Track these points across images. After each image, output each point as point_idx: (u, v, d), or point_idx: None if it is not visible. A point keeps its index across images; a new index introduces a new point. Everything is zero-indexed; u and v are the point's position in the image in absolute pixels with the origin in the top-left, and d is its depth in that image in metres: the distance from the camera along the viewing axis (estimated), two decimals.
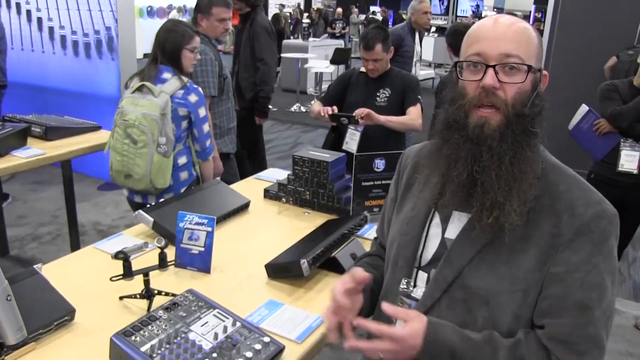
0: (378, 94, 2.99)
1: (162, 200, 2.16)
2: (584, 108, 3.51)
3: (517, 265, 1.05)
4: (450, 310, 1.09)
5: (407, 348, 1.04)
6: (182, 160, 2.56)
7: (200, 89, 2.59)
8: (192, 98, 2.50)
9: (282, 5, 16.78)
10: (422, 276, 1.16)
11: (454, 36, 3.13)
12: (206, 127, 2.60)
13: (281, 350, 1.35)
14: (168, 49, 2.50)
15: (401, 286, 1.19)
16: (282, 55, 10.07)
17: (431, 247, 1.16)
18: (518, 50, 1.05)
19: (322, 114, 2.86)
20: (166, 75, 2.50)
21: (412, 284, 1.18)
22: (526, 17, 21.14)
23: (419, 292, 1.16)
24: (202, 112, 2.56)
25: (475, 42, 1.09)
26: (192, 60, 2.58)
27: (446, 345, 1.04)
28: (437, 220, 1.17)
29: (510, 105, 1.04)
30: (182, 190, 2.57)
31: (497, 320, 1.06)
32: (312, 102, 3.35)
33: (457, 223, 1.13)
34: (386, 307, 1.07)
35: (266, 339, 1.35)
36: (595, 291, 1.02)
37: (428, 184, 1.16)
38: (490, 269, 1.06)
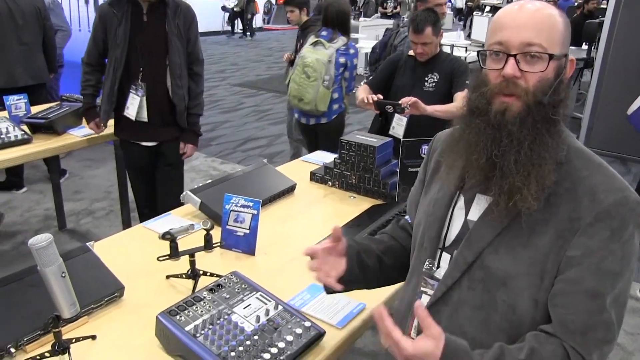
0: (426, 78, 2.92)
1: (208, 182, 2.19)
2: None
3: (536, 248, 1.05)
4: (470, 290, 1.11)
5: None
6: (336, 95, 3.68)
7: (356, 45, 3.74)
8: (351, 51, 3.67)
9: None
10: (446, 257, 1.18)
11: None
12: (354, 73, 3.75)
13: (322, 335, 1.36)
14: (337, 19, 3.62)
15: (425, 267, 1.21)
16: None
17: (454, 228, 1.18)
18: (540, 39, 1.04)
19: (366, 101, 2.78)
20: (334, 36, 3.62)
21: (435, 264, 1.19)
22: None
23: (442, 272, 1.18)
24: (355, 61, 3.74)
25: (499, 30, 1.08)
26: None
27: None
28: (461, 202, 1.19)
29: (531, 94, 1.04)
30: (334, 117, 3.73)
31: (515, 304, 1.07)
32: (359, 85, 3.28)
33: (480, 205, 1.15)
34: (418, 308, 1.00)
35: (307, 324, 1.36)
36: (610, 279, 1.02)
37: (453, 167, 1.17)
38: (509, 251, 1.07)
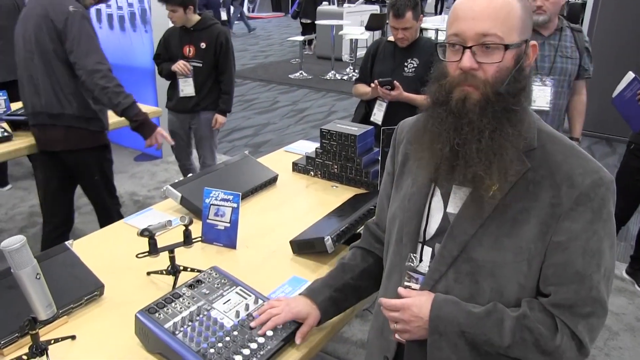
0: (406, 64, 2.92)
1: (189, 175, 2.18)
2: (629, 75, 3.33)
3: (520, 237, 1.07)
4: (458, 284, 1.12)
5: (413, 317, 1.12)
6: None
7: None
8: None
9: None
10: (427, 251, 1.19)
11: None
12: None
13: None
14: None
15: (407, 261, 1.21)
16: (317, 22, 9.96)
17: (434, 222, 1.18)
18: (495, 29, 1.03)
19: (371, 90, 2.91)
20: None
21: (417, 258, 1.20)
22: None
23: (424, 266, 1.19)
24: None
25: (455, 20, 1.07)
26: None
27: (453, 321, 1.09)
28: (438, 195, 1.19)
29: (489, 85, 1.04)
30: None
31: (503, 290, 1.10)
32: (354, 85, 3.28)
33: (458, 197, 1.15)
34: (401, 290, 1.17)
35: None
36: (595, 257, 1.06)
37: (421, 159, 1.17)
38: (494, 242, 1.09)
